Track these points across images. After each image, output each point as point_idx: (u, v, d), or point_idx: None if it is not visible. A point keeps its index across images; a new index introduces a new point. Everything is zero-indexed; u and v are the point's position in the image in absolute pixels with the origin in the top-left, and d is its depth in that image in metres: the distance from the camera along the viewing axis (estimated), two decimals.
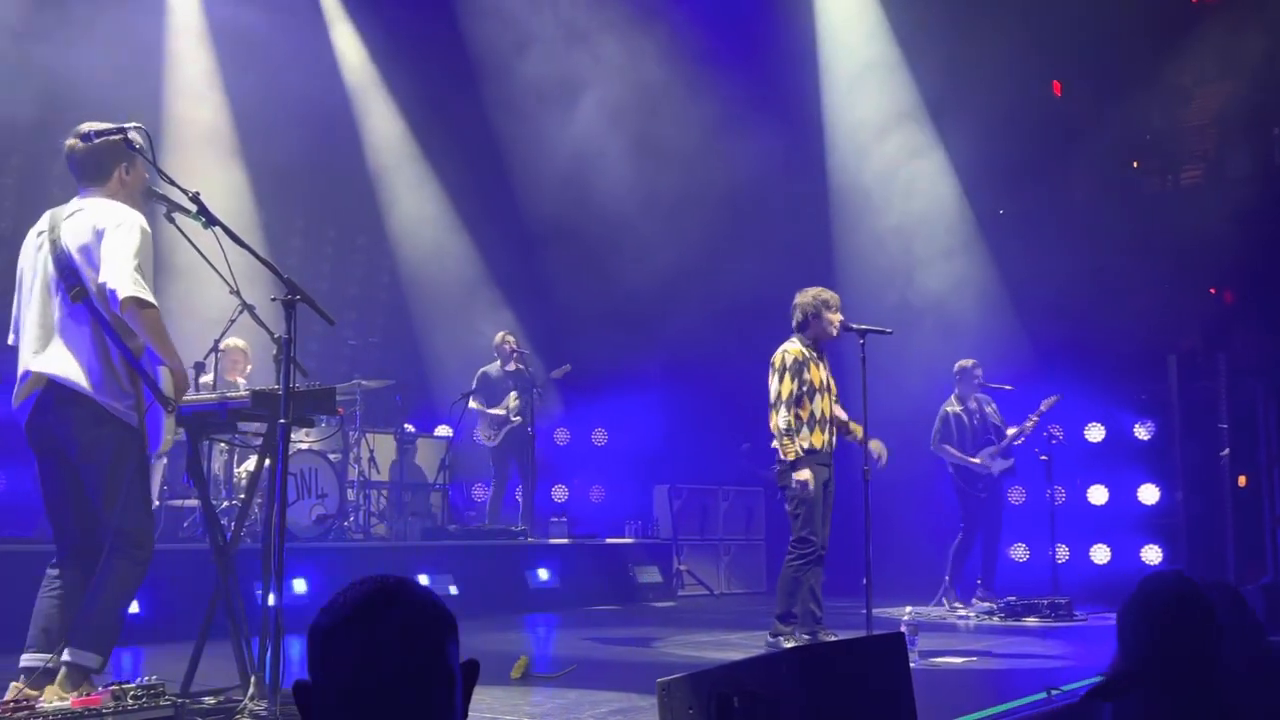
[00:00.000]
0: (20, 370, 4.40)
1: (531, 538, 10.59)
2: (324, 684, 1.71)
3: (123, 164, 4.51)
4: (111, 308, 4.24)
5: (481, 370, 11.34)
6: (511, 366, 11.23)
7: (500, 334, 11.46)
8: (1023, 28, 11.53)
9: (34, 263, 4.45)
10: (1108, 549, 11.59)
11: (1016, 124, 11.96)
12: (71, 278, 4.29)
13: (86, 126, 4.47)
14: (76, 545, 4.40)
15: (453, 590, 8.90)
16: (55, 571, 4.37)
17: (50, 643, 4.23)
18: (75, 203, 4.49)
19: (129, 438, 4.32)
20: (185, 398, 4.55)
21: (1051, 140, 12.26)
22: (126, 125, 4.48)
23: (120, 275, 4.19)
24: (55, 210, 4.50)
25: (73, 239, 4.33)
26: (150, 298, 4.25)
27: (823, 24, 12.76)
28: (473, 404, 11.11)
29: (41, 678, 4.16)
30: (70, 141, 4.48)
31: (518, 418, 11.12)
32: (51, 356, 4.31)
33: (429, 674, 1.70)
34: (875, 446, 6.98)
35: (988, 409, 10.05)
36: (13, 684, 4.15)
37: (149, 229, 4.39)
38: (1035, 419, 9.87)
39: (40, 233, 4.47)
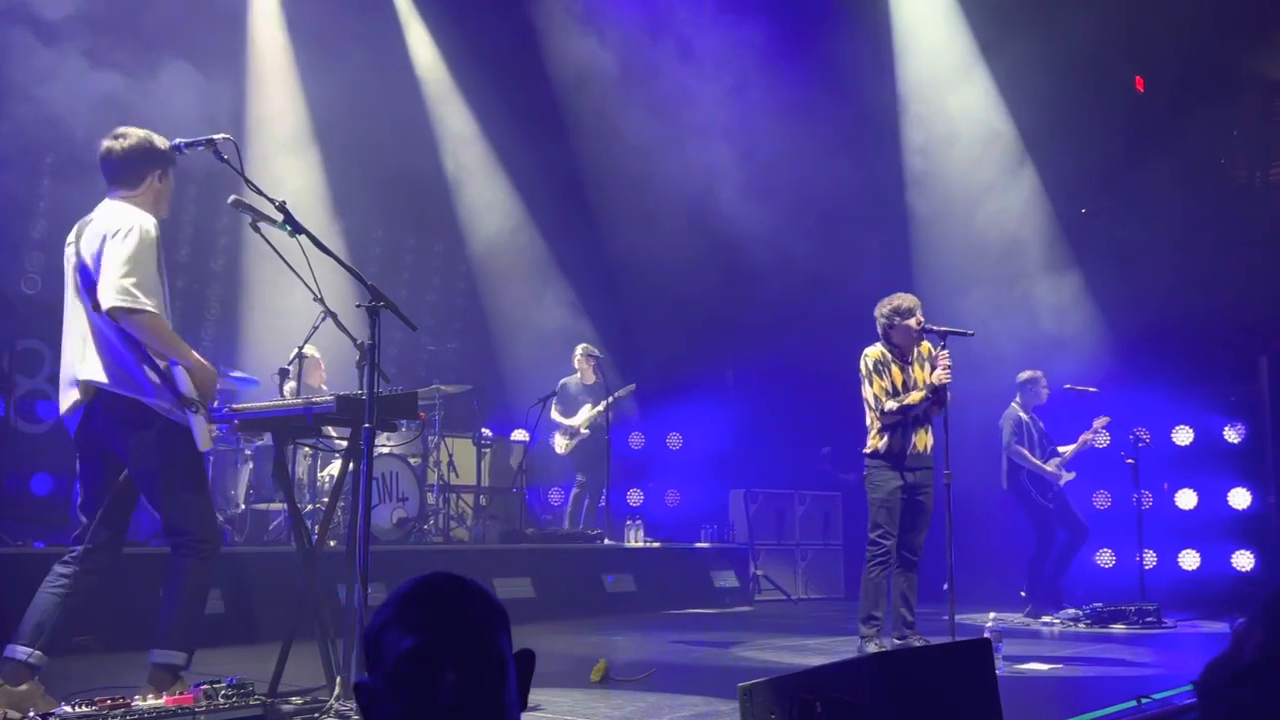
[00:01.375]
0: (66, 378, 4.42)
1: (609, 541, 10.62)
2: (380, 679, 1.74)
3: (157, 170, 4.53)
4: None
5: (562, 381, 11.58)
6: (592, 379, 11.40)
7: (581, 347, 11.56)
8: (1105, 23, 11.30)
9: (66, 273, 4.48)
10: (1197, 554, 11.30)
11: (1099, 121, 11.73)
12: (93, 288, 4.30)
13: (123, 130, 4.49)
14: (98, 544, 4.37)
15: (516, 591, 8.95)
16: (64, 570, 4.32)
17: (37, 638, 4.18)
18: (97, 208, 4.49)
19: (177, 435, 4.32)
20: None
21: (1135, 138, 12.00)
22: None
23: (105, 287, 4.19)
24: (82, 219, 4.50)
25: (87, 248, 4.35)
26: (141, 303, 4.19)
27: (900, 30, 12.63)
28: (553, 413, 11.37)
29: (20, 671, 4.13)
30: (107, 143, 4.48)
31: (586, 430, 11.34)
32: (92, 364, 4.32)
33: (480, 660, 1.72)
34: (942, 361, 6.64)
35: (1039, 424, 9.94)
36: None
37: (154, 232, 4.34)
38: (1090, 435, 9.90)
39: (70, 243, 4.48)
